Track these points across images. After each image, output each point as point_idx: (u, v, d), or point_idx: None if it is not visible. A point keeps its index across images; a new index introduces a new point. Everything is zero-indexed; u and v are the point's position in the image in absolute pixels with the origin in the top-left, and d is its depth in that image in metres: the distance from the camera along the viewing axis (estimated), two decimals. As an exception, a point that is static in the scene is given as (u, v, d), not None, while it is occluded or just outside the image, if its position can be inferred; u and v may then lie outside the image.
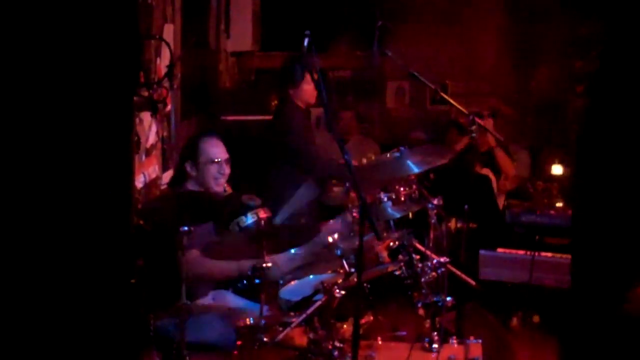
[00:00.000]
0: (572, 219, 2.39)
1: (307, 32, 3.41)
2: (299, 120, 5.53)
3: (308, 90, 5.52)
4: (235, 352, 3.70)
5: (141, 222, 3.96)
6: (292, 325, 3.64)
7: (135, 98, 4.39)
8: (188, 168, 4.30)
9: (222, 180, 4.36)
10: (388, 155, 4.27)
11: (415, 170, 4.09)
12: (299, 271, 4.31)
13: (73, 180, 2.10)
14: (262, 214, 4.55)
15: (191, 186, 4.28)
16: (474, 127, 4.67)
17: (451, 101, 4.98)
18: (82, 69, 2.01)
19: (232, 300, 4.36)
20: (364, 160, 5.37)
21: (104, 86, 2.01)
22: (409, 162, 4.06)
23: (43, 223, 2.12)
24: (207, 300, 4.26)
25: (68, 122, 2.02)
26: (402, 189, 4.42)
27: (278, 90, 5.88)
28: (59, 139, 2.03)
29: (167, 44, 4.89)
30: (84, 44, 2.01)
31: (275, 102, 7.07)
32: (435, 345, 3.74)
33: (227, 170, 4.38)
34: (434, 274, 3.93)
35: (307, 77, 5.41)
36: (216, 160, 4.31)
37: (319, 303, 3.68)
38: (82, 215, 2.14)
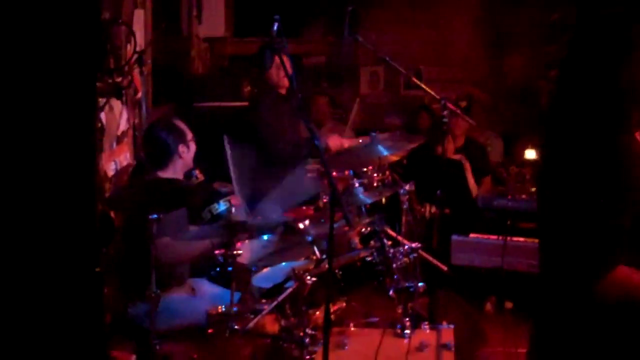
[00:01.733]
0: (538, 203, 2.38)
1: (276, 16, 3.39)
2: (272, 104, 5.50)
3: (280, 74, 5.49)
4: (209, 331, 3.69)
5: (110, 211, 3.93)
6: (264, 312, 3.63)
7: (99, 84, 4.34)
8: (181, 151, 4.22)
9: None
10: (360, 141, 4.26)
11: (386, 154, 4.07)
12: (271, 257, 4.30)
13: (35, 168, 2.07)
14: (234, 201, 4.55)
15: (164, 174, 4.22)
16: (445, 112, 4.67)
17: (423, 86, 4.98)
18: (42, 54, 1.97)
19: (208, 287, 4.34)
20: (337, 137, 5.37)
21: (64, 72, 1.97)
22: (380, 147, 4.05)
23: (4, 212, 2.09)
24: (185, 288, 4.23)
25: (28, 110, 1.99)
26: (374, 174, 4.42)
27: (250, 76, 5.84)
28: (19, 126, 2.00)
29: (131, 30, 4.83)
30: (44, 29, 1.97)
31: (248, 87, 7.03)
32: (407, 331, 3.73)
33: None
34: (406, 259, 3.92)
35: (278, 61, 5.38)
36: (193, 137, 4.30)
37: (290, 290, 3.67)
38: (44, 204, 2.11)
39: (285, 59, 3.74)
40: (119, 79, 4.86)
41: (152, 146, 4.28)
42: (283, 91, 5.53)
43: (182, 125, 4.30)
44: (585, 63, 2.24)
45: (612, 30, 2.19)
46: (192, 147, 4.29)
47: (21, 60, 1.97)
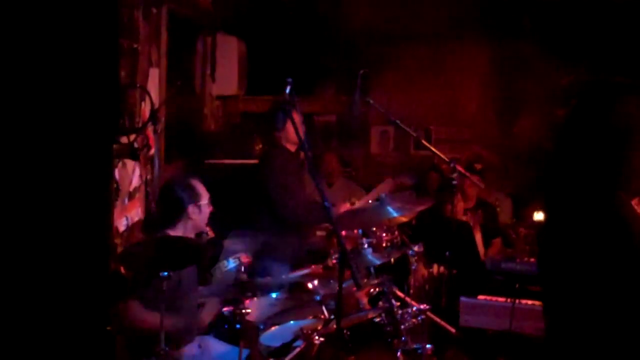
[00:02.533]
0: (539, 264, 2.41)
1: (289, 79, 3.46)
2: (283, 163, 5.53)
3: (290, 131, 5.55)
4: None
5: (120, 267, 3.95)
6: (272, 371, 3.63)
7: (115, 146, 4.39)
8: (191, 211, 4.20)
9: None
10: (369, 200, 4.29)
11: (395, 215, 4.10)
12: (280, 316, 4.30)
13: (52, 227, 2.11)
14: (244, 259, 4.56)
15: (172, 231, 4.21)
16: (454, 175, 4.71)
17: (431, 148, 5.02)
18: (61, 117, 2.02)
19: (216, 345, 4.32)
20: (348, 205, 5.39)
21: (82, 135, 2.03)
22: (389, 208, 4.08)
23: (22, 268, 2.12)
24: (193, 346, 4.22)
25: (48, 171, 2.03)
26: (383, 234, 4.44)
27: (262, 134, 5.90)
28: (39, 188, 2.04)
29: (147, 93, 4.90)
30: (64, 93, 2.03)
31: (260, 145, 7.10)
32: (414, 393, 3.73)
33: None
34: (414, 320, 3.94)
35: (289, 122, 5.43)
36: (209, 200, 4.28)
37: (298, 349, 3.67)
38: (59, 262, 2.14)
39: (296, 117, 3.79)
40: (134, 138, 4.92)
41: (166, 202, 4.29)
42: (293, 148, 5.58)
43: (199, 186, 4.28)
44: (585, 127, 2.28)
45: (612, 103, 2.25)
46: (205, 210, 4.26)
47: (42, 125, 2.02)
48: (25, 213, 2.07)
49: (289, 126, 5.47)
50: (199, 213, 4.22)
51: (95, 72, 2.03)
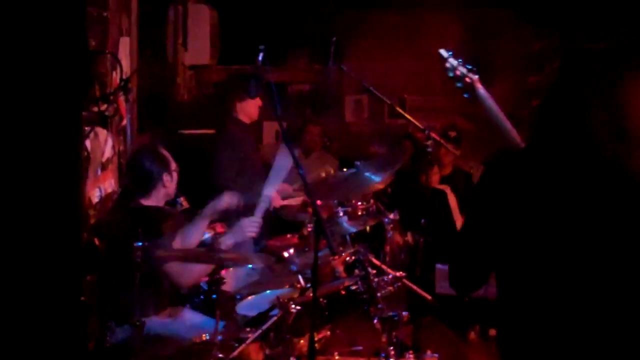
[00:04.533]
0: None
1: (262, 46, 3.42)
2: (237, 137, 5.57)
3: (254, 105, 5.58)
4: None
5: (95, 238, 3.92)
6: (248, 341, 3.62)
7: (85, 113, 4.34)
8: (166, 179, 4.19)
9: None
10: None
11: (374, 180, 4.08)
12: (256, 285, 4.29)
13: (20, 196, 2.07)
14: (219, 229, 4.55)
15: (145, 201, 4.19)
16: (429, 142, 4.70)
17: (406, 116, 5.01)
18: (28, 83, 1.98)
19: (189, 316, 4.31)
20: (323, 174, 5.38)
21: (50, 100, 1.98)
22: (367, 175, 4.06)
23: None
24: (163, 316, 4.20)
25: (13, 138, 1.99)
26: (359, 203, 4.44)
27: (225, 104, 5.87)
28: (4, 154, 2.00)
29: (117, 59, 4.84)
30: (30, 58, 1.98)
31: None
32: (391, 360, 3.73)
33: None
34: (390, 288, 3.93)
35: (261, 91, 5.44)
36: (176, 167, 4.28)
37: (274, 318, 3.66)
38: (29, 232, 2.10)
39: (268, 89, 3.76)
40: (105, 107, 4.86)
41: (136, 173, 4.26)
42: (248, 121, 5.63)
43: (166, 154, 4.27)
44: (574, 92, 2.25)
45: (601, 64, 2.22)
46: (175, 177, 4.27)
47: (7, 89, 1.97)
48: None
49: (250, 100, 5.49)
50: (172, 181, 4.22)
51: (62, 36, 1.98)
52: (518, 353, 2.27)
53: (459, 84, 3.33)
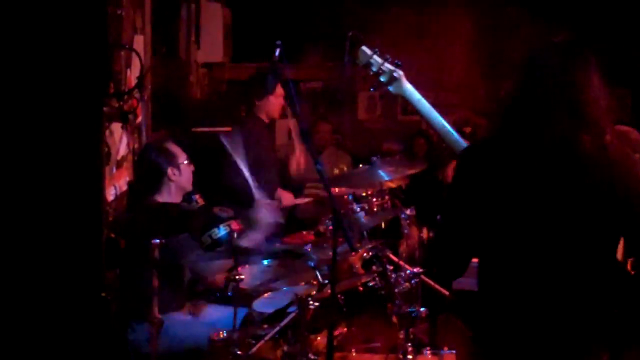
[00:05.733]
0: None
1: (278, 42, 3.41)
2: (257, 135, 5.57)
3: (275, 103, 5.57)
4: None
5: (112, 235, 3.91)
6: (266, 338, 3.62)
7: (105, 109, 4.34)
8: (171, 173, 4.21)
9: None
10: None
11: (387, 179, 4.08)
12: (273, 282, 4.28)
13: (42, 192, 2.07)
14: (235, 226, 4.54)
15: (160, 197, 4.20)
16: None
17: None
18: (50, 79, 1.97)
19: (210, 310, 4.31)
20: (336, 172, 5.37)
21: (72, 96, 1.98)
22: (381, 172, 4.06)
23: (12, 237, 2.08)
24: (184, 313, 4.20)
25: (36, 133, 1.99)
26: (374, 199, 4.42)
27: (244, 102, 5.89)
28: (27, 151, 2.00)
29: (137, 54, 4.85)
30: (52, 54, 1.97)
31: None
32: (409, 356, 3.73)
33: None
34: (407, 284, 3.92)
35: (276, 89, 5.45)
36: (188, 159, 4.28)
37: (292, 315, 3.66)
38: (51, 228, 2.10)
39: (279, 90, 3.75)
40: (123, 104, 4.87)
41: (143, 169, 4.31)
42: (267, 120, 5.63)
43: (174, 147, 4.29)
44: (536, 84, 2.43)
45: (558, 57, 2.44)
46: (185, 170, 4.27)
47: (31, 86, 1.97)
48: (17, 177, 2.03)
49: (273, 96, 5.49)
50: (180, 174, 4.24)
51: (84, 31, 1.98)
52: (497, 314, 2.61)
53: (382, 78, 3.46)
